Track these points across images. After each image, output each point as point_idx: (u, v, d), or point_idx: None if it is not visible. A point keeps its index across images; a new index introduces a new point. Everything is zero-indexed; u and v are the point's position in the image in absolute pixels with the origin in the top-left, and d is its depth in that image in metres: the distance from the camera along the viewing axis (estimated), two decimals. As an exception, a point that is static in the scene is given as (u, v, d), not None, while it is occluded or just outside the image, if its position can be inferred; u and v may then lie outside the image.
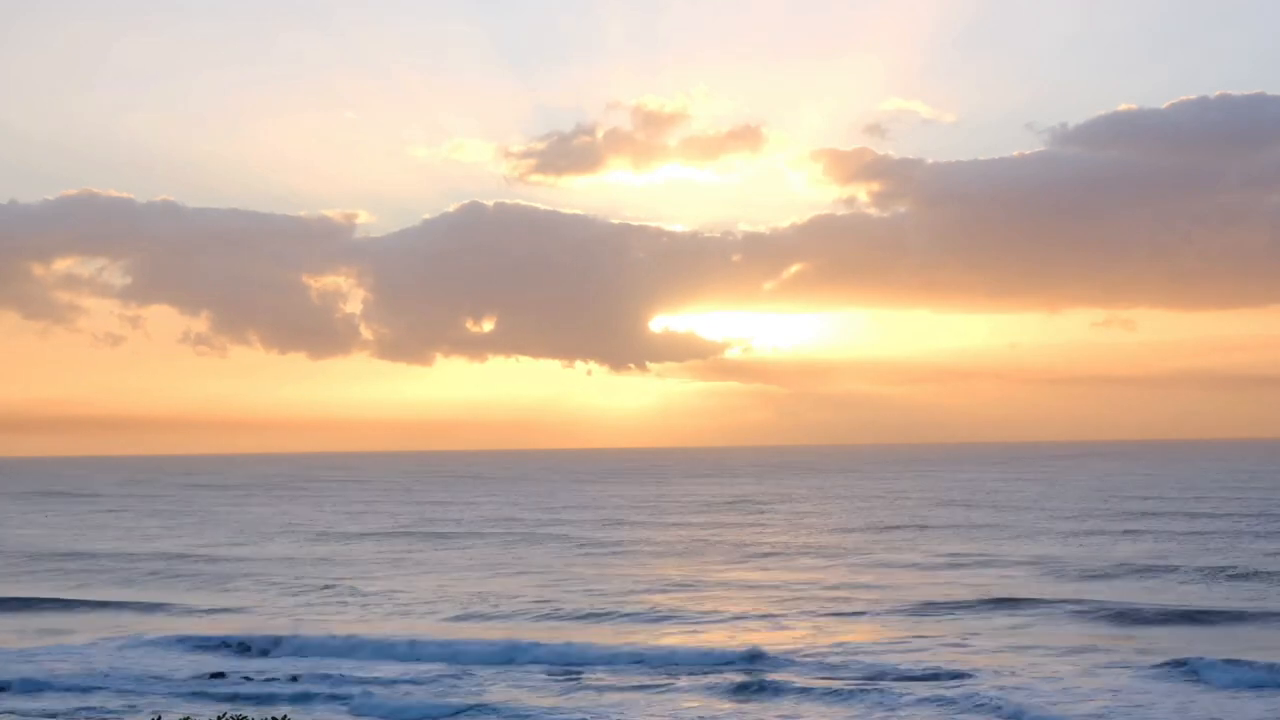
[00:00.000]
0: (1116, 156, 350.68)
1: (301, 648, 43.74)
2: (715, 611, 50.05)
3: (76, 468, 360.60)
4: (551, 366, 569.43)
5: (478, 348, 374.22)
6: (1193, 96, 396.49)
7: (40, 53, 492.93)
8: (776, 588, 56.95)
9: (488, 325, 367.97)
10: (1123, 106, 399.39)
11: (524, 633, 45.54)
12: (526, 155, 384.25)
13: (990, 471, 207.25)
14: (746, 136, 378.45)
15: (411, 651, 42.89)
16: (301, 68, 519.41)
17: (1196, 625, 45.63)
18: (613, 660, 40.67)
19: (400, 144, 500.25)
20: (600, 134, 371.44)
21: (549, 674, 39.11)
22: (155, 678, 39.31)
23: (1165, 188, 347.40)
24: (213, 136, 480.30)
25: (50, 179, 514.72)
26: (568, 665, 40.16)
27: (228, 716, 25.93)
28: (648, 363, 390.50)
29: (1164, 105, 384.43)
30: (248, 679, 39.22)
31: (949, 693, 34.80)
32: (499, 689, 37.06)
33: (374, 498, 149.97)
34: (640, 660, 40.60)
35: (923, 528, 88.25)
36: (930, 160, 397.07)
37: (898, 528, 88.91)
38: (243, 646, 44.43)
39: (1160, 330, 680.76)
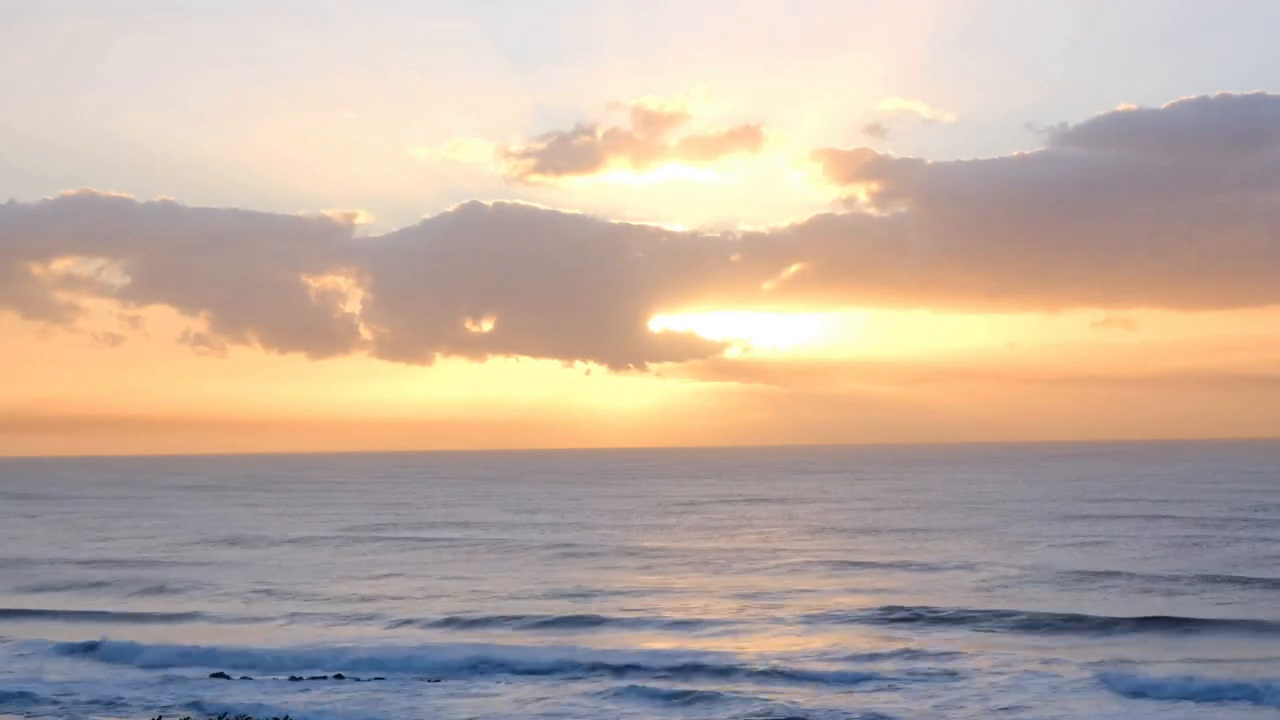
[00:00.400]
0: (1116, 156, 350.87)
1: (207, 657, 41.98)
2: (659, 616, 48.58)
3: (67, 468, 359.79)
4: (551, 366, 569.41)
5: (477, 348, 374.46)
6: (1193, 96, 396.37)
7: (40, 53, 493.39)
8: (740, 595, 55.07)
9: (487, 325, 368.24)
10: (1123, 106, 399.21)
11: (459, 639, 43.93)
12: (526, 155, 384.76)
13: (983, 472, 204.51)
14: (746, 136, 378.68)
15: (339, 661, 41.12)
16: (301, 68, 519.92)
17: (1138, 634, 43.89)
18: (552, 668, 39.34)
19: (399, 144, 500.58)
20: (600, 134, 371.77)
21: (464, 680, 38.06)
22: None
23: (1165, 188, 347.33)
24: (213, 136, 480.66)
25: (50, 179, 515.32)
26: (484, 671, 39.17)
27: (229, 717, 25.75)
28: (647, 363, 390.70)
29: (1164, 105, 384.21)
30: (246, 678, 39.01)
31: (857, 705, 33.85)
32: (426, 700, 35.54)
33: (349, 499, 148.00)
34: (579, 666, 39.51)
35: (897, 531, 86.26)
36: (930, 160, 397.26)
37: (873, 531, 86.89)
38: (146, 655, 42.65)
39: (1160, 330, 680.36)
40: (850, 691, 35.79)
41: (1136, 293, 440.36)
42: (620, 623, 48.18)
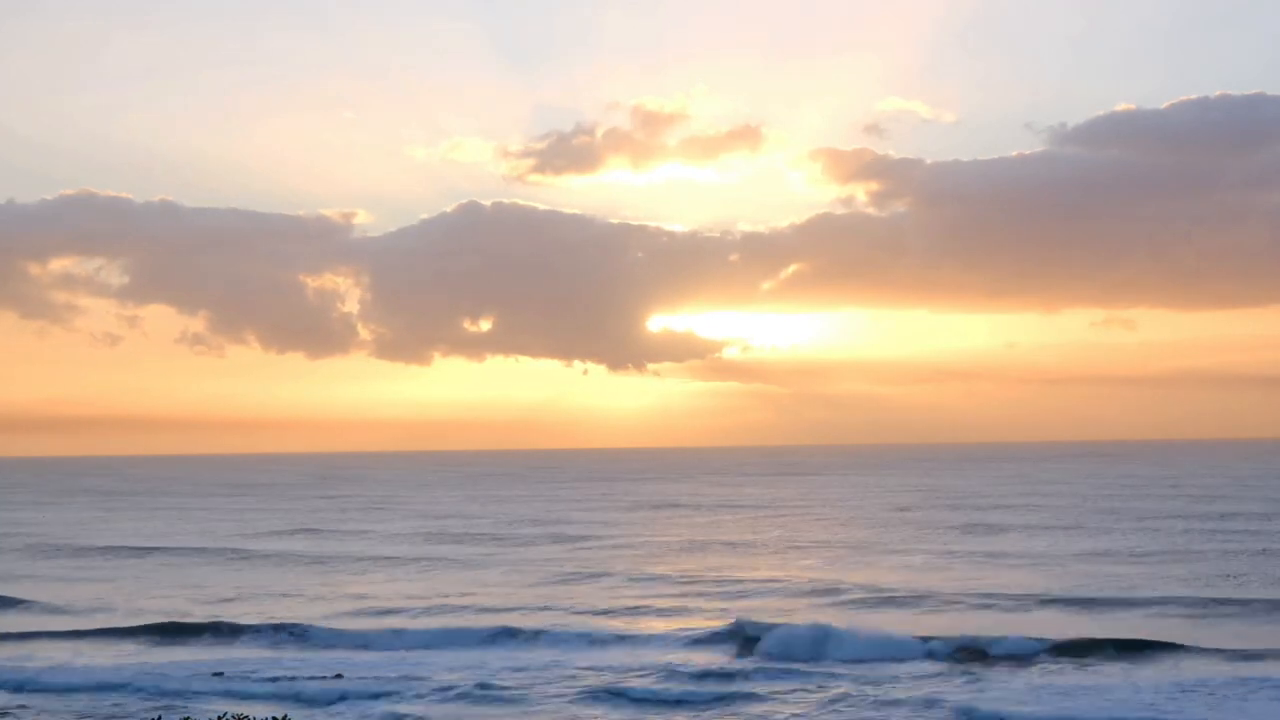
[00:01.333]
0: (1116, 156, 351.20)
1: None
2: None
3: (55, 469, 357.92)
4: (550, 366, 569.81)
5: (476, 347, 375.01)
6: (1193, 96, 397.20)
7: (38, 53, 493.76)
8: (587, 612, 51.00)
9: (486, 325, 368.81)
10: (1122, 106, 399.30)
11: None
12: (525, 155, 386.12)
13: (969, 474, 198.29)
14: (746, 136, 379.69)
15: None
16: (300, 68, 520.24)
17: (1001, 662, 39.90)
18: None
19: (398, 144, 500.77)
20: (599, 134, 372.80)
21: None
22: None
23: (1165, 188, 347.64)
24: (211, 136, 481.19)
25: (48, 179, 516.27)
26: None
27: (228, 716, 25.49)
28: (646, 363, 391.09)
29: (1164, 105, 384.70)
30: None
31: None
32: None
33: (243, 506, 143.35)
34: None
35: (820, 543, 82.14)
36: (929, 160, 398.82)
37: (792, 544, 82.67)
38: None
39: (1160, 330, 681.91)
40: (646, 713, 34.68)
41: (1136, 293, 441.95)
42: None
